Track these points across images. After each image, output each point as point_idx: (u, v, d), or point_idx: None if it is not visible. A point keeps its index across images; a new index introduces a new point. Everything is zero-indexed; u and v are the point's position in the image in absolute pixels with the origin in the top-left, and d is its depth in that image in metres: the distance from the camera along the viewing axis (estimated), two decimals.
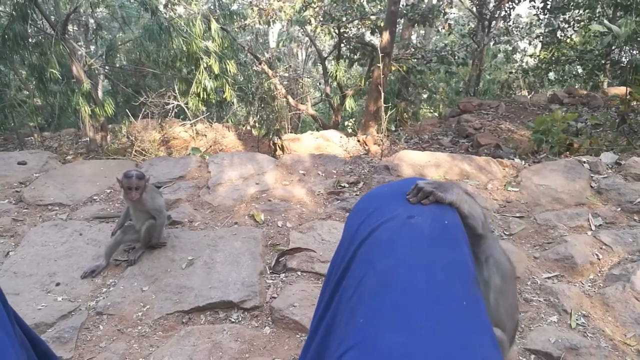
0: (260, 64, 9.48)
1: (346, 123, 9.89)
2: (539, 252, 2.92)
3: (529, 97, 9.94)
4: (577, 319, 2.34)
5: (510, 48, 12.14)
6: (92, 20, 10.12)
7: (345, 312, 0.78)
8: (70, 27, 9.06)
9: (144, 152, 6.61)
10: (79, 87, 6.66)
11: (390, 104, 7.82)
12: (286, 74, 11.09)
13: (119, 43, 9.87)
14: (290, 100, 9.55)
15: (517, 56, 12.92)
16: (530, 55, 12.69)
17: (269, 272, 2.76)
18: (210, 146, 7.44)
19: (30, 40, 7.07)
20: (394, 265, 0.78)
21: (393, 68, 9.06)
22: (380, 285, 0.75)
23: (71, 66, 6.81)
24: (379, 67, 7.03)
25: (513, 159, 4.50)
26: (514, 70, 12.14)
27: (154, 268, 2.73)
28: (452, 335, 0.66)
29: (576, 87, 10.39)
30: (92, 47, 11.08)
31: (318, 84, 13.53)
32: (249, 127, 9.30)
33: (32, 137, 8.21)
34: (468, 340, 0.66)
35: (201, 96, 7.51)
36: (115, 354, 2.16)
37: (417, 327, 0.65)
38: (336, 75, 9.28)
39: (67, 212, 3.43)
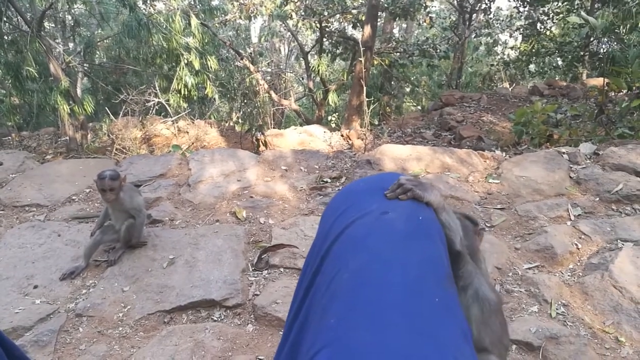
0: (242, 59, 9.41)
1: (330, 118, 9.87)
2: (519, 243, 2.95)
3: (510, 89, 10.03)
4: (557, 309, 2.37)
5: (492, 40, 12.20)
6: (69, 17, 9.93)
7: (317, 310, 0.77)
8: (46, 24, 8.87)
9: (125, 151, 6.53)
10: (56, 85, 6.53)
11: (373, 98, 7.84)
12: (269, 69, 11.03)
13: (98, 40, 9.69)
14: (273, 95, 9.50)
15: (498, 48, 13.00)
16: (511, 48, 12.77)
17: (251, 270, 2.74)
18: (193, 143, 7.38)
19: (5, 37, 6.91)
20: (368, 261, 0.77)
21: (375, 62, 9.06)
22: (352, 283, 0.75)
23: (48, 64, 6.67)
24: (361, 61, 7.02)
25: (494, 151, 4.54)
26: (495, 63, 12.23)
27: (135, 268, 2.69)
28: (424, 333, 0.65)
29: (556, 78, 10.50)
30: (70, 45, 10.89)
31: (301, 78, 13.49)
32: (231, 124, 9.24)
33: (10, 137, 8.05)
34: (440, 338, 0.66)
35: (182, 93, 7.42)
36: (95, 356, 2.14)
37: (390, 326, 0.65)
38: (319, 70, 9.25)
39: (45, 213, 3.38)
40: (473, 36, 11.91)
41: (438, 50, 9.55)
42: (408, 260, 0.77)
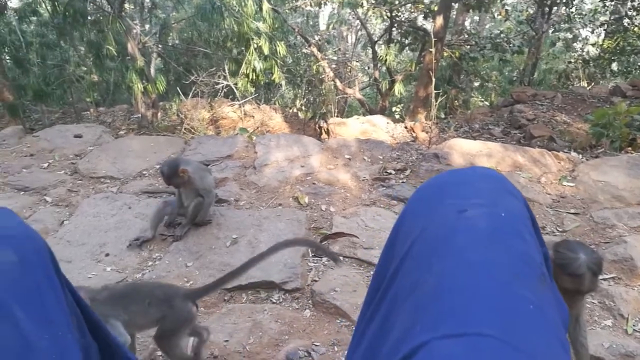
0: (309, 46, 9.41)
1: (393, 109, 9.71)
2: None
3: (588, 88, 9.43)
4: (634, 325, 2.21)
5: (571, 36, 11.51)
6: None
7: (400, 314, 0.73)
8: (126, 5, 9.25)
9: (193, 130, 6.72)
10: (133, 64, 6.80)
11: (440, 91, 7.62)
12: (335, 57, 10.97)
13: (172, 22, 10.01)
14: (338, 83, 9.45)
15: (578, 45, 12.25)
16: (593, 44, 11.99)
17: (311, 255, 2.74)
18: (258, 127, 7.49)
19: (89, 17, 7.27)
20: (452, 266, 0.72)
21: (445, 54, 8.79)
22: (438, 289, 0.70)
23: (126, 44, 6.96)
24: (431, 52, 6.83)
25: (569, 153, 4.29)
26: (573, 60, 11.52)
27: (199, 245, 2.77)
28: (519, 348, 0.60)
29: None
30: (147, 26, 11.32)
31: (366, 68, 13.34)
32: (295, 110, 9.29)
33: (89, 112, 8.50)
34: (534, 350, 0.61)
35: (250, 77, 7.53)
36: None
37: (480, 337, 0.60)
38: (386, 60, 9.09)
39: (118, 186, 3.54)
40: (551, 31, 11.28)
41: (511, 45, 9.14)
42: (494, 262, 0.72)
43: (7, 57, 8.18)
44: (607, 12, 10.79)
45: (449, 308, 0.64)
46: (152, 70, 9.31)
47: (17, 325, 0.77)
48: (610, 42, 10.25)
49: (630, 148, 4.78)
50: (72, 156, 3.99)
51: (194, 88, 7.99)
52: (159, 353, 2.05)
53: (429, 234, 0.81)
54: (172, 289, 1.92)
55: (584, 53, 11.83)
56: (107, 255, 2.71)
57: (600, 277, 2.52)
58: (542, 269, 0.75)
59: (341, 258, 2.69)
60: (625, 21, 10.08)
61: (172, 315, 1.77)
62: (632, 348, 2.03)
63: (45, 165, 3.80)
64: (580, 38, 12.20)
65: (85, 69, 8.84)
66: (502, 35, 9.46)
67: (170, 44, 10.18)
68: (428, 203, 0.90)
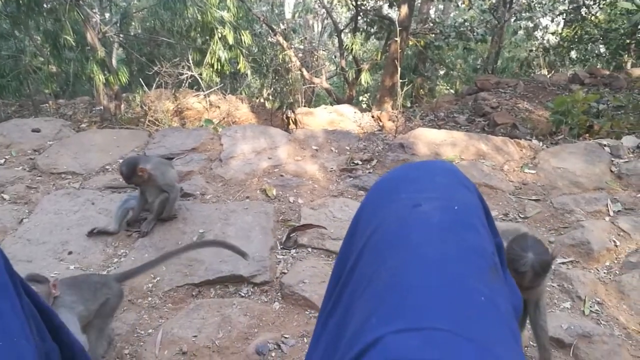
0: (275, 35, 9.32)
1: (361, 98, 9.74)
2: (554, 237, 2.87)
3: (548, 76, 9.68)
4: (591, 306, 2.31)
5: (532, 25, 11.77)
6: None
7: (359, 307, 0.75)
8: None
9: (157, 122, 6.59)
10: (93, 54, 6.61)
11: (406, 80, 7.67)
12: (301, 46, 10.91)
13: (134, 11, 9.73)
14: (305, 73, 9.41)
15: (539, 33, 12.54)
16: (552, 33, 12.29)
17: (279, 248, 2.75)
18: (224, 118, 7.40)
19: (44, 5, 7.01)
20: (404, 260, 0.74)
21: (410, 43, 8.87)
22: (390, 284, 0.71)
23: (85, 33, 6.74)
24: (396, 41, 6.87)
25: (530, 140, 4.41)
26: (534, 48, 11.80)
27: (165, 240, 2.73)
28: (471, 338, 0.62)
29: (598, 67, 10.09)
30: (107, 15, 10.98)
31: (333, 57, 13.31)
32: (262, 100, 9.21)
33: (47, 104, 8.22)
34: (485, 340, 0.63)
35: (215, 67, 7.42)
36: (125, 323, 2.19)
37: (432, 330, 0.62)
38: (352, 49, 9.10)
39: (80, 181, 3.44)
40: (513, 20, 11.50)
41: (475, 33, 9.28)
42: (447, 256, 0.74)
43: None
44: (566, 2, 11.07)
45: (403, 303, 0.66)
46: (114, 61, 9.05)
47: None
48: (569, 30, 10.52)
49: (587, 135, 4.95)
50: (31, 151, 3.86)
51: (157, 79, 7.82)
52: (126, 351, 2.04)
53: (385, 227, 0.82)
54: (102, 275, 2.21)
55: (545, 41, 12.12)
56: (70, 253, 2.64)
57: (559, 261, 2.62)
58: (494, 259, 0.77)
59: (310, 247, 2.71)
60: (583, 10, 10.36)
61: (113, 296, 1.95)
62: (589, 328, 2.11)
63: (2, 161, 3.66)
64: (540, 27, 12.49)
65: (43, 59, 8.52)
66: (466, 23, 9.58)
67: (132, 34, 9.91)
68: (385, 196, 0.91)
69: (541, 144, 4.26)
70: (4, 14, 7.67)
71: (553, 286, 2.46)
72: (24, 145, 3.93)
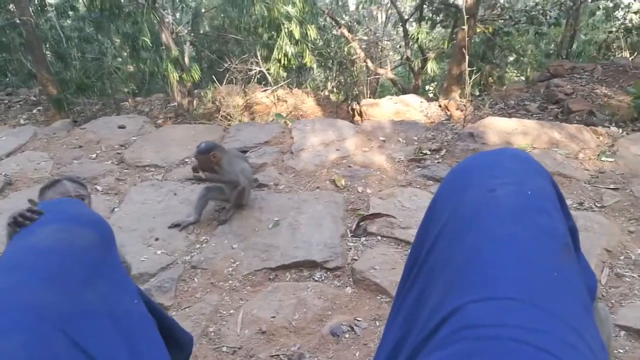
0: (339, 27, 9.39)
1: (427, 87, 9.60)
2: (634, 226, 2.76)
3: (630, 59, 9.07)
4: None
5: (612, 4, 11.03)
6: None
7: (435, 289, 0.81)
8: None
9: (229, 117, 6.87)
10: (167, 53, 6.98)
11: (474, 68, 7.48)
12: (365, 38, 10.89)
13: (203, 10, 10.14)
14: (369, 64, 9.41)
15: (619, 13, 11.72)
16: (635, 12, 11.46)
17: (349, 235, 2.83)
18: (291, 112, 7.57)
19: (123, 9, 7.47)
20: (479, 241, 0.79)
21: (478, 30, 8.61)
22: (467, 263, 0.77)
23: (160, 34, 7.13)
24: (464, 29, 6.73)
25: (609, 127, 4.21)
26: (614, 30, 11.06)
27: (243, 227, 2.90)
28: (543, 308, 0.67)
29: None
30: (177, 15, 11.49)
31: (398, 47, 13.17)
32: (327, 93, 9.31)
33: (127, 102, 8.77)
34: (559, 311, 0.67)
35: (282, 62, 7.60)
36: (209, 304, 2.36)
37: (508, 300, 0.67)
38: (417, 38, 8.99)
39: (162, 173, 3.70)
40: (590, 0, 10.85)
41: (548, 17, 8.85)
42: (520, 235, 0.78)
43: (49, 53, 8.49)
44: None
45: (479, 277, 0.72)
46: (187, 59, 9.49)
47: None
48: None
49: None
50: (118, 146, 4.18)
51: (227, 75, 8.12)
52: (211, 329, 2.20)
53: (460, 212, 0.88)
54: None
55: (626, 21, 11.31)
56: (156, 239, 2.87)
57: (638, 251, 2.52)
58: (566, 240, 0.81)
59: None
60: None
61: None
62: None
63: (94, 156, 4.00)
64: (622, 6, 11.66)
65: (121, 60, 9.08)
66: (537, 7, 9.15)
67: (202, 32, 10.32)
68: (458, 185, 0.96)
69: (621, 131, 4.06)
70: (88, 19, 8.26)
71: (633, 277, 2.38)
72: (112, 140, 4.26)
